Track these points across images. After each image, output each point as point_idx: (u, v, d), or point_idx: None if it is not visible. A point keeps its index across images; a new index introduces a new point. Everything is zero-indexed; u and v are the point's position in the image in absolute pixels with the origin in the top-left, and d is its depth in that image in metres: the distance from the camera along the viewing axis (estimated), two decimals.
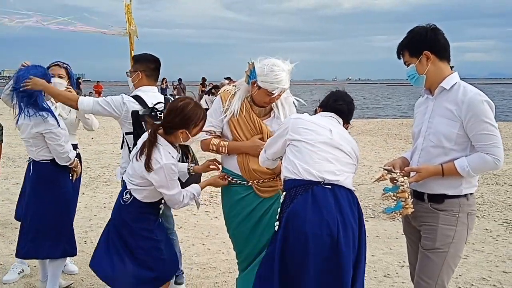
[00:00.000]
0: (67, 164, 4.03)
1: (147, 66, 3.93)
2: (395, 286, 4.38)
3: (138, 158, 3.05)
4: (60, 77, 4.26)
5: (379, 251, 5.20)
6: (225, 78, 18.77)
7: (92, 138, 14.05)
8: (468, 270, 4.76)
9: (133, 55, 4.41)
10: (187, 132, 3.05)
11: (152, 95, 3.84)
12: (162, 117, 3.27)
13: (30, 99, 3.80)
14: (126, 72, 4.10)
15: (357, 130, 15.77)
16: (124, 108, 3.68)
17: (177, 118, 3.03)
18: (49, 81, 3.93)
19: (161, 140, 3.05)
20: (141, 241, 3.17)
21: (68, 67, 4.46)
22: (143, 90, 3.83)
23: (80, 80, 31.39)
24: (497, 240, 5.67)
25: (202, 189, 3.41)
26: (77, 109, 3.76)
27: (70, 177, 4.17)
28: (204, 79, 25.28)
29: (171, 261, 3.35)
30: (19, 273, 4.52)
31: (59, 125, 3.91)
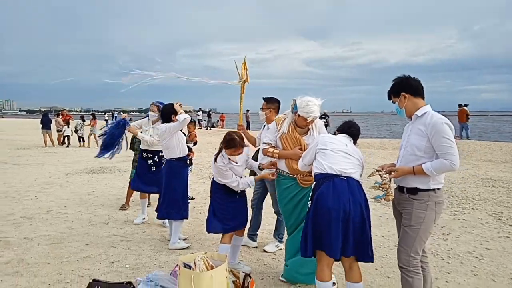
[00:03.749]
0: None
1: (275, 105, 4.11)
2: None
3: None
4: (153, 111, 5.05)
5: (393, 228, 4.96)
6: None
7: (215, 149, 14.59)
8: (458, 246, 4.40)
9: (243, 97, 4.47)
10: (229, 151, 3.38)
11: None
12: None
13: None
14: (261, 108, 4.17)
15: (392, 146, 15.02)
16: None
17: (223, 143, 3.37)
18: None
19: (223, 151, 3.40)
20: (217, 204, 3.52)
21: (160, 105, 5.00)
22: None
23: (210, 112, 32.86)
24: (485, 226, 5.15)
25: (256, 180, 3.58)
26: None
27: (189, 171, 4.51)
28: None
29: (234, 219, 3.53)
30: (142, 219, 5.22)
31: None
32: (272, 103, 4.09)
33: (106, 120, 37.60)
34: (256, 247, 4.34)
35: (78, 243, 4.36)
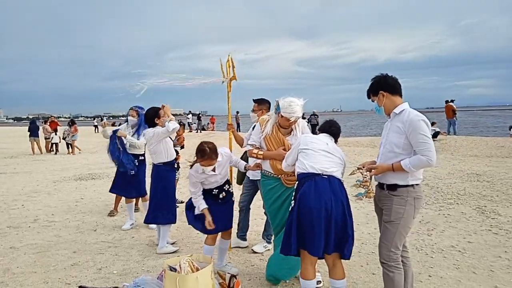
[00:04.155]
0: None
1: (267, 106, 4.17)
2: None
3: None
4: (133, 116, 5.14)
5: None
6: None
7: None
8: (442, 240, 4.48)
9: (230, 96, 4.43)
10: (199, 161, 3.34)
11: None
12: None
13: None
14: (252, 109, 4.27)
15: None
16: None
17: (196, 152, 3.34)
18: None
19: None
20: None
21: (139, 110, 5.13)
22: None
23: (200, 115, 32.82)
24: (468, 220, 5.25)
25: (203, 211, 3.46)
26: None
27: (177, 175, 4.52)
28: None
29: (217, 222, 3.49)
30: (131, 225, 5.22)
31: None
32: (263, 104, 4.17)
33: (96, 126, 37.34)
34: (247, 246, 4.39)
35: (65, 250, 4.35)
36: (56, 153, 16.14)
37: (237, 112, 28.22)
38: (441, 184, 7.64)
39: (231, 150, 4.35)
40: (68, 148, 16.23)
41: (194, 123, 32.11)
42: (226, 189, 3.60)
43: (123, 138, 5.20)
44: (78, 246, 4.51)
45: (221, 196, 3.55)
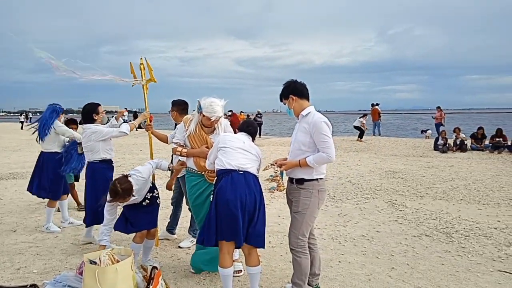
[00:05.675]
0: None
1: (179, 108, 4.29)
2: None
3: None
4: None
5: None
6: (228, 110, 19.06)
7: (141, 150, 14.31)
8: (355, 230, 4.97)
9: (147, 97, 4.57)
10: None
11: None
12: None
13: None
14: (169, 111, 4.45)
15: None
16: None
17: (109, 190, 3.28)
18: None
19: None
20: (126, 207, 3.57)
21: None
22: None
23: (137, 113, 31.77)
24: (380, 212, 5.86)
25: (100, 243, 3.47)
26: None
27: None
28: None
29: (141, 222, 3.56)
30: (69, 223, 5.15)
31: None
32: (175, 106, 4.34)
33: (22, 122, 34.48)
34: (176, 238, 4.58)
35: None
36: None
37: None
38: (362, 180, 8.34)
39: (151, 153, 4.45)
40: None
41: (130, 121, 31.03)
42: (149, 196, 3.63)
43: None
44: None
45: (144, 203, 3.61)
